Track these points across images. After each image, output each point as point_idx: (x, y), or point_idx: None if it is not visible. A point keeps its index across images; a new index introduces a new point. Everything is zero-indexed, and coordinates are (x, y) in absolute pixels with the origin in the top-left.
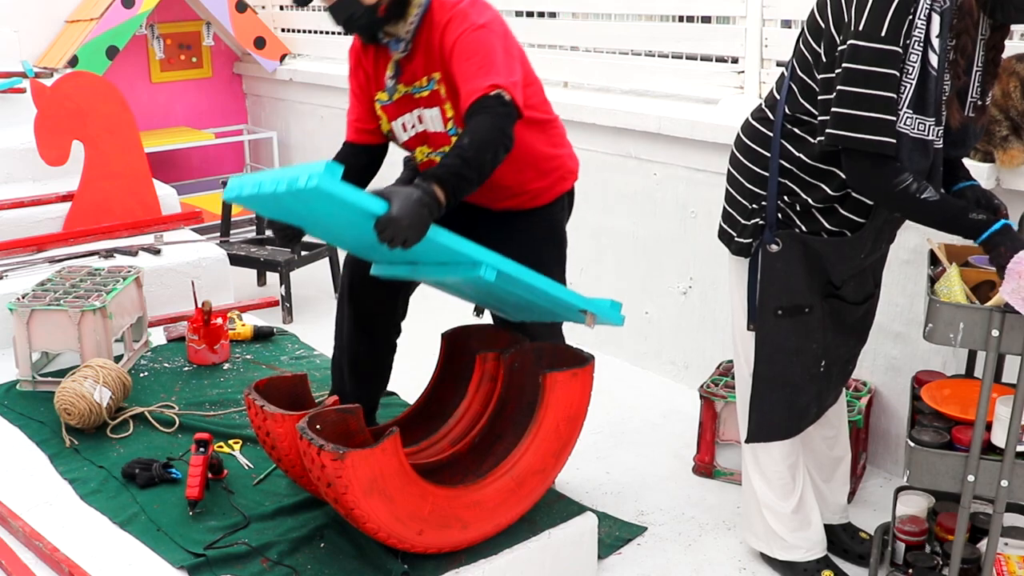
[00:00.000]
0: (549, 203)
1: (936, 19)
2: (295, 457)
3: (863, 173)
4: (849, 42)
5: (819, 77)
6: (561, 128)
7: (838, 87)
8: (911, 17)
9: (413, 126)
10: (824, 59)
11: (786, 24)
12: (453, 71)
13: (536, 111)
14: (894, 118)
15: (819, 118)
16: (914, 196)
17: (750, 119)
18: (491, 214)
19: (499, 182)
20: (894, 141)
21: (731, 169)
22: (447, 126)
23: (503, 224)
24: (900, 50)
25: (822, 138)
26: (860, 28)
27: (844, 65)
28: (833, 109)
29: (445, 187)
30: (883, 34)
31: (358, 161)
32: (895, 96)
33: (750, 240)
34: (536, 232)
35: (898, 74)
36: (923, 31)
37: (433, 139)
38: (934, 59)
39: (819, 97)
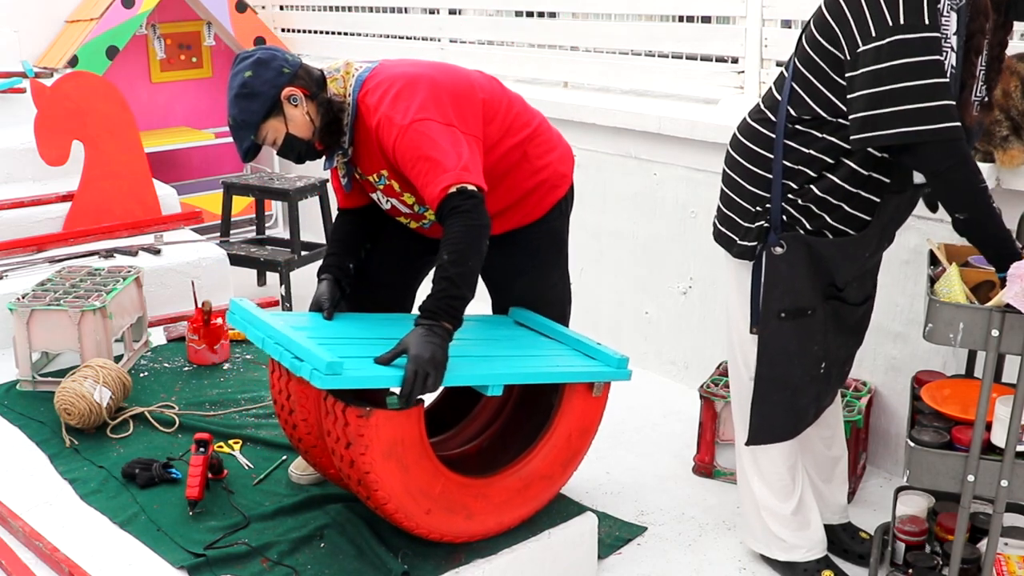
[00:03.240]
0: (544, 215)
1: (954, 17)
2: (313, 422)
3: (943, 164)
4: (893, 38)
5: (847, 75)
6: (545, 133)
7: (893, 85)
8: (940, 7)
9: (387, 203)
10: (848, 57)
11: (786, 24)
12: (407, 178)
13: (509, 137)
14: (953, 102)
15: (850, 116)
16: (988, 201)
17: (748, 120)
18: (493, 239)
19: (491, 213)
20: (959, 124)
21: (729, 172)
22: (414, 208)
23: (503, 243)
24: (940, 36)
25: (859, 136)
26: (902, 21)
27: (894, 62)
28: (896, 108)
29: (445, 316)
30: (926, 22)
31: (358, 225)
32: (947, 81)
33: (754, 243)
34: (535, 243)
35: (942, 60)
36: (948, 29)
37: (409, 218)
38: (953, 57)
39: (848, 96)
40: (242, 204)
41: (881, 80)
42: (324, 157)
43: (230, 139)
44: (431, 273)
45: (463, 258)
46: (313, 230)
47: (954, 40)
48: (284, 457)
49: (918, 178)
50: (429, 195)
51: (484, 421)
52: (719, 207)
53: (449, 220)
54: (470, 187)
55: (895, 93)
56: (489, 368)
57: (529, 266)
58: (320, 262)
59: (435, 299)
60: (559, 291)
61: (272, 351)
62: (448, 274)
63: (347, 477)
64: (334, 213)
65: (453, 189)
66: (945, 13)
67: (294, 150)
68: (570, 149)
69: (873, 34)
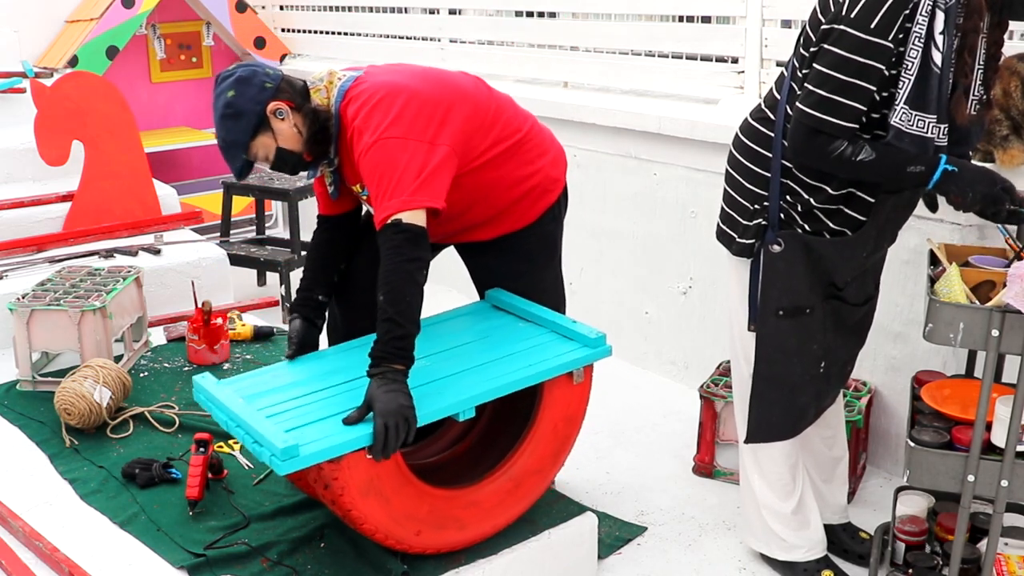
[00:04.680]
0: (536, 220)
1: (940, 16)
2: None
3: (800, 144)
4: (837, 26)
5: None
6: (536, 138)
7: (816, 66)
8: (907, 12)
9: (368, 212)
10: None
11: (786, 24)
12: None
13: (497, 144)
14: (864, 108)
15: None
16: (849, 159)
17: (749, 119)
18: (485, 244)
19: (480, 221)
20: (856, 127)
21: (730, 170)
22: None
23: (495, 248)
24: (889, 45)
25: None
26: (852, 16)
27: (827, 47)
28: (808, 86)
29: (394, 359)
30: (872, 26)
31: (337, 239)
32: (871, 87)
33: (752, 241)
34: (528, 246)
35: (882, 67)
36: (924, 27)
37: None
38: (937, 56)
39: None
40: (242, 204)
41: (817, 62)
42: (310, 168)
43: None
44: None
45: (398, 296)
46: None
47: (940, 40)
48: None
49: None
50: (376, 220)
51: (470, 419)
52: (722, 206)
53: (382, 256)
54: (405, 219)
55: (821, 77)
56: (457, 392)
57: (522, 271)
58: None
59: (381, 344)
60: (552, 294)
61: (236, 434)
62: (388, 315)
63: (334, 512)
64: None
65: (389, 221)
66: (924, 14)
67: (287, 163)
68: (563, 152)
69: (829, 18)
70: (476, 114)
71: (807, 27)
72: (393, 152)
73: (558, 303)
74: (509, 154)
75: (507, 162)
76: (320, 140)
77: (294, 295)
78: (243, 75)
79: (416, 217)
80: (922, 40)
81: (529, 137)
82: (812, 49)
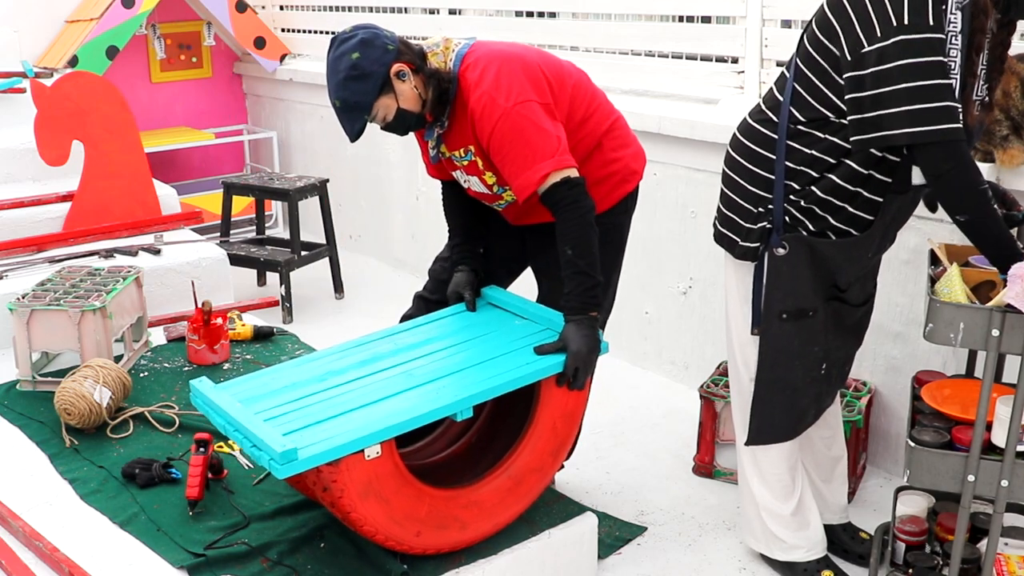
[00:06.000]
0: (611, 208)
1: (959, 16)
2: None
3: (945, 166)
4: (897, 38)
5: (845, 76)
6: (622, 129)
7: (897, 85)
8: (945, 8)
9: (465, 182)
10: (849, 57)
11: (786, 24)
12: (496, 163)
13: (590, 124)
14: (957, 104)
15: (850, 117)
16: (989, 202)
17: (749, 121)
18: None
19: None
20: (962, 126)
21: (729, 172)
22: (493, 188)
23: None
24: (944, 37)
25: (860, 136)
26: (906, 22)
27: (899, 62)
28: (900, 109)
29: (590, 307)
30: (930, 23)
31: (462, 189)
32: (951, 82)
33: (756, 244)
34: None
35: (947, 61)
36: (956, 26)
37: (482, 197)
38: (956, 55)
39: (847, 96)
40: (242, 204)
41: (885, 81)
42: (426, 128)
43: (230, 139)
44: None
45: (586, 248)
46: (313, 230)
47: (959, 39)
48: None
49: (918, 178)
50: (526, 179)
51: (468, 418)
52: (719, 208)
53: (560, 212)
54: (571, 174)
55: (899, 93)
56: (455, 391)
57: None
58: (320, 260)
59: (576, 295)
60: (606, 296)
61: (235, 438)
62: (579, 268)
63: (334, 514)
64: (334, 212)
65: (557, 178)
66: (952, 11)
67: (404, 124)
68: (643, 150)
69: (878, 34)
70: (578, 92)
71: (815, 28)
72: (534, 116)
73: (607, 307)
74: (597, 138)
75: (593, 145)
76: (443, 101)
77: (294, 293)
78: (366, 37)
79: (574, 172)
80: (956, 39)
81: (617, 127)
82: (871, 69)
